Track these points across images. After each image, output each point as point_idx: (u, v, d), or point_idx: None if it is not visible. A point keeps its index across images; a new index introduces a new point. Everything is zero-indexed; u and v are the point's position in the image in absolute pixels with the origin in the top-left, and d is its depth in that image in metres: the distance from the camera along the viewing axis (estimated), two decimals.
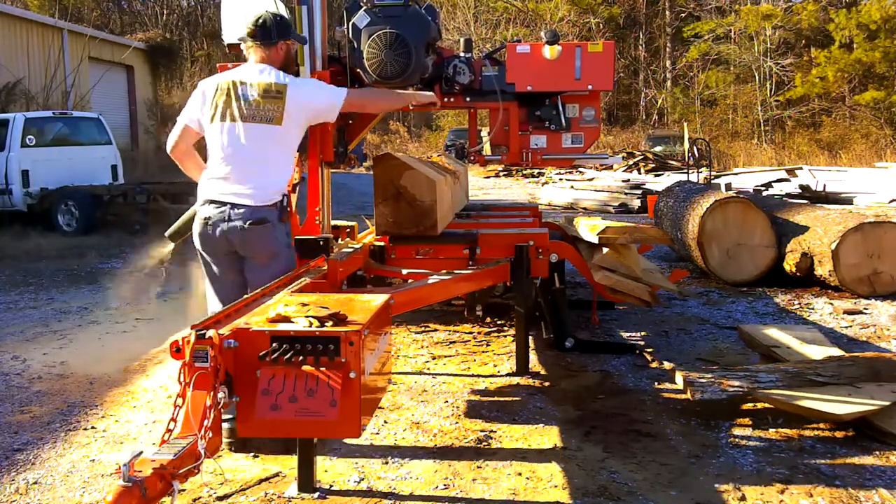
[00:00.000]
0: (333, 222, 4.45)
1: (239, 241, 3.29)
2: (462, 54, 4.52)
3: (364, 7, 4.10)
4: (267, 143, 3.30)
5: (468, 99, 4.57)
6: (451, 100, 4.55)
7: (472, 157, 4.81)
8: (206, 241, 3.34)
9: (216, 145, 3.34)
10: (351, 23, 4.13)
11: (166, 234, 4.26)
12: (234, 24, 3.93)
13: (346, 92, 3.47)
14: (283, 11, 3.79)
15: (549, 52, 4.34)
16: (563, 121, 4.57)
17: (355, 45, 4.12)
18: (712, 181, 11.81)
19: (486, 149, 4.81)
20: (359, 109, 3.81)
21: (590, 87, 4.42)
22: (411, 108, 4.23)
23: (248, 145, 3.29)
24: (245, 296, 2.90)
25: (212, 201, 3.30)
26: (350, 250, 4.10)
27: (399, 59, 4.02)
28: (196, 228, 3.37)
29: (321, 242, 3.72)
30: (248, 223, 3.26)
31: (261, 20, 3.37)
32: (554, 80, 4.42)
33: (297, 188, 3.79)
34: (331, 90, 3.46)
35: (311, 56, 3.76)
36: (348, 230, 4.80)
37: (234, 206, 3.26)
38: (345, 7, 4.18)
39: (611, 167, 17.68)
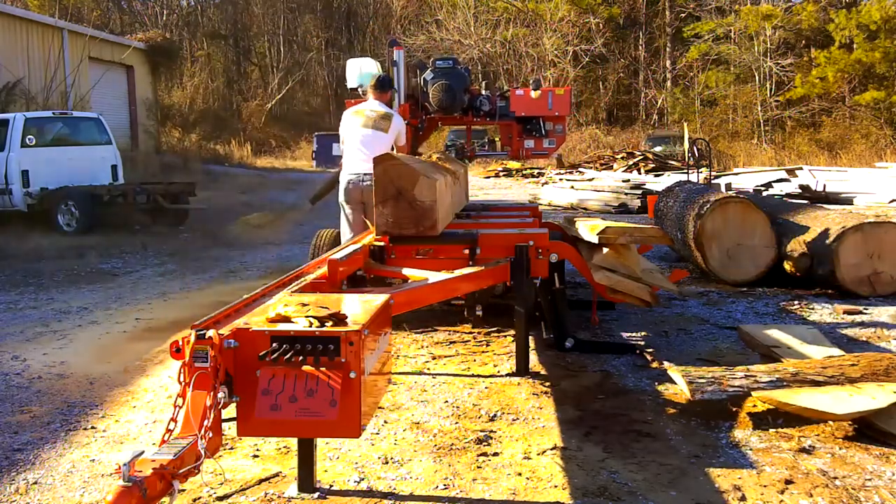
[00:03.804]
0: None
1: (366, 194, 5.32)
2: (484, 92, 7.15)
3: (430, 68, 6.90)
4: (380, 140, 5.55)
5: (488, 119, 7.18)
6: (478, 119, 7.19)
7: (468, 154, 7.42)
8: (348, 195, 5.58)
9: (354, 141, 5.63)
10: (422, 77, 6.88)
11: (309, 198, 6.24)
12: (353, 75, 6.79)
13: (403, 141, 5.87)
14: (380, 69, 6.75)
15: (534, 94, 7.02)
16: (543, 132, 7.10)
17: (424, 90, 6.80)
18: (712, 181, 11.81)
19: (497, 147, 7.62)
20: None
21: (557, 113, 7.08)
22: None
23: (371, 142, 5.54)
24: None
25: (353, 173, 5.56)
26: (350, 250, 4.10)
27: (448, 98, 6.70)
28: (342, 186, 5.63)
29: None
30: (370, 182, 4.84)
31: (381, 78, 5.89)
32: (537, 109, 7.07)
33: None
34: (402, 129, 5.82)
35: (398, 95, 6.38)
36: None
37: (364, 173, 5.39)
38: (417, 67, 7.09)
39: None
